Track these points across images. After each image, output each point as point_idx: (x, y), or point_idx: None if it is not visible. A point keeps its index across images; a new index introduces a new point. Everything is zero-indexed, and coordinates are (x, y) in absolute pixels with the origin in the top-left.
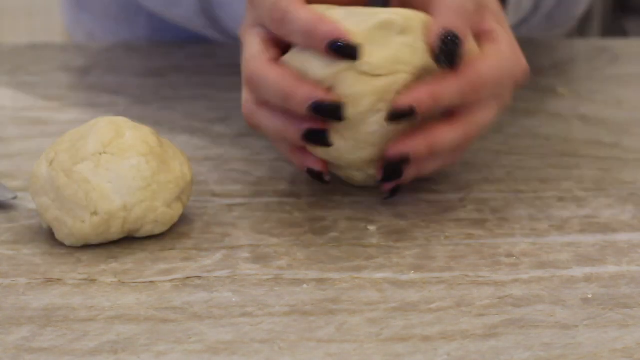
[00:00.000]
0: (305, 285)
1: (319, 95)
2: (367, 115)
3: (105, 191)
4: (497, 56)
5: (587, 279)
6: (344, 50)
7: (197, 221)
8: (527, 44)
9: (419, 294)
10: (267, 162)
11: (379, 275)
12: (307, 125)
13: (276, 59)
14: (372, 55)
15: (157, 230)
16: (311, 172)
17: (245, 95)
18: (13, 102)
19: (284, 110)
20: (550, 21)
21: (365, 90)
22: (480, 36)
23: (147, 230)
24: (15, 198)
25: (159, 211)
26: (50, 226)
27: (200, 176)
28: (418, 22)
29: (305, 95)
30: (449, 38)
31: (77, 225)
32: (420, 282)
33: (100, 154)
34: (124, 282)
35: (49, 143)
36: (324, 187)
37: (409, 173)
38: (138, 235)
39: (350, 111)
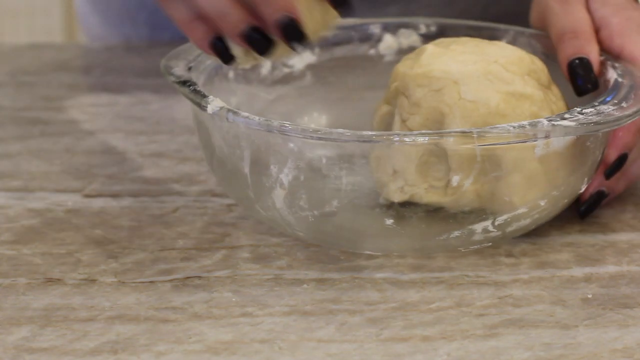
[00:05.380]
0: (305, 285)
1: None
2: None
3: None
4: None
5: (587, 279)
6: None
7: (197, 221)
8: None
9: (419, 294)
10: None
11: (379, 275)
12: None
13: None
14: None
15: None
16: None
17: None
18: (13, 102)
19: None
20: None
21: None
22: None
23: None
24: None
25: None
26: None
27: (200, 176)
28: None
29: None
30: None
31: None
32: (420, 282)
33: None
34: (124, 282)
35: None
36: None
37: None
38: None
39: None
